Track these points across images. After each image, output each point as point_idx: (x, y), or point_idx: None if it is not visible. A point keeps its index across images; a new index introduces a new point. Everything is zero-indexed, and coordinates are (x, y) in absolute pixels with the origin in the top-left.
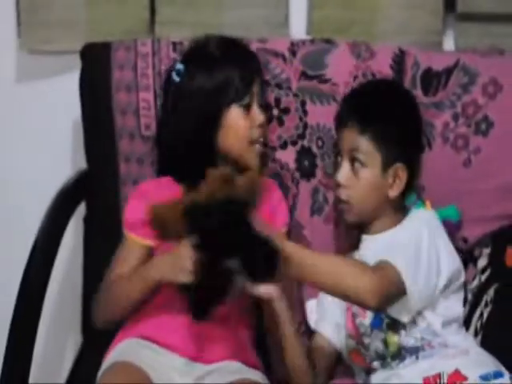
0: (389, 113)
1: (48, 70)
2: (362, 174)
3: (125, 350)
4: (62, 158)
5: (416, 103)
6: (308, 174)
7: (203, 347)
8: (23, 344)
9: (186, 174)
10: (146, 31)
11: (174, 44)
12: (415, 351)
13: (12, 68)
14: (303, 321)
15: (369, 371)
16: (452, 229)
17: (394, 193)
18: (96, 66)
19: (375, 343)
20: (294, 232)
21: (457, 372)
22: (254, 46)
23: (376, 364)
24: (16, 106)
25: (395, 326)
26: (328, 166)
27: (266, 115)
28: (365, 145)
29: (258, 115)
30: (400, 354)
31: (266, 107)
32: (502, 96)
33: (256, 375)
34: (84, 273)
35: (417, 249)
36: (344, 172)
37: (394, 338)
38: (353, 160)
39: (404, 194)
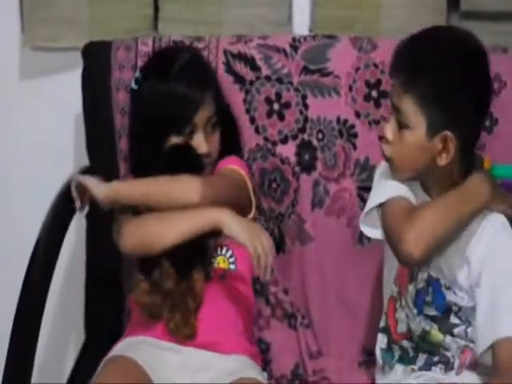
0: (441, 70)
1: (51, 67)
2: (406, 136)
3: (123, 347)
4: (64, 154)
5: (486, 62)
6: (308, 167)
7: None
8: (26, 341)
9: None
10: (149, 28)
11: (175, 43)
12: (446, 362)
13: (15, 65)
14: None
15: (389, 346)
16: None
17: (442, 162)
18: (96, 66)
19: (421, 324)
20: (295, 226)
21: None
22: (255, 43)
23: (405, 343)
24: (19, 103)
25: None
26: (328, 158)
27: (211, 144)
28: (407, 106)
29: (198, 145)
30: (433, 352)
31: (221, 123)
32: (506, 93)
33: (255, 373)
34: (87, 270)
35: None
36: (390, 127)
37: (438, 336)
38: (398, 115)
39: (464, 163)
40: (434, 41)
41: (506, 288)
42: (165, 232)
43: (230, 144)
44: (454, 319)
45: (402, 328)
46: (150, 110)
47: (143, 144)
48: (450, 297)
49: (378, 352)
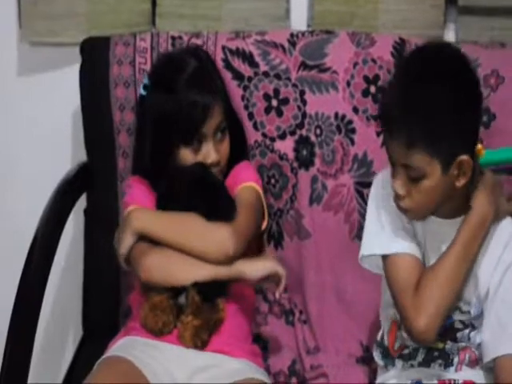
0: (440, 111)
1: (49, 63)
2: (422, 185)
3: (120, 346)
4: (63, 150)
5: (476, 77)
6: (306, 163)
7: None
8: (24, 335)
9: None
10: (147, 23)
11: (173, 38)
12: (446, 358)
13: (13, 60)
14: None
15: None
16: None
17: (460, 183)
18: (95, 61)
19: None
20: (293, 222)
21: (471, 382)
22: (253, 39)
23: (405, 350)
24: (17, 98)
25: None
26: (326, 154)
27: (220, 152)
28: (417, 160)
29: (207, 155)
30: (432, 357)
31: (232, 128)
32: (504, 88)
33: (260, 374)
34: (85, 264)
35: None
36: (400, 183)
37: (438, 345)
38: (407, 170)
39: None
40: (425, 78)
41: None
42: (189, 276)
43: (237, 147)
44: (458, 325)
45: (397, 345)
46: (158, 122)
47: (151, 151)
48: (456, 316)
49: (376, 356)
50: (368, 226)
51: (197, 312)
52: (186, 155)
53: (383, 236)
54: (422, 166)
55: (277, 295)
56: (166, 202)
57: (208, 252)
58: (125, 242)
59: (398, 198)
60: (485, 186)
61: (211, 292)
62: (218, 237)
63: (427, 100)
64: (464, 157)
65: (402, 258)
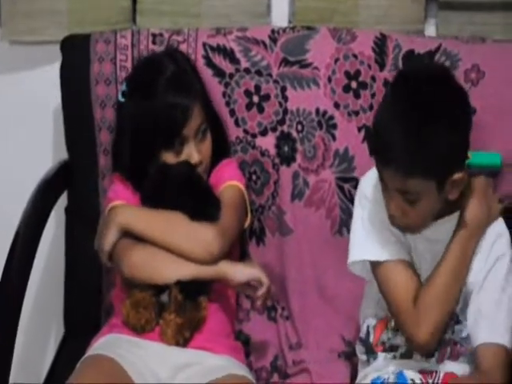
0: (440, 144)
1: (29, 61)
2: (417, 206)
3: (102, 344)
4: (43, 148)
5: (467, 103)
6: (288, 159)
7: None
8: (4, 334)
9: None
10: (127, 20)
11: (154, 35)
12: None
13: None
14: None
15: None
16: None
17: (454, 196)
18: (75, 59)
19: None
20: (275, 218)
21: (452, 374)
22: (234, 35)
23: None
24: None
25: None
26: (307, 150)
27: (202, 152)
28: (415, 185)
29: (190, 156)
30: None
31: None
32: (484, 83)
33: (243, 371)
34: (66, 262)
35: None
36: (396, 205)
37: None
38: (403, 194)
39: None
40: (423, 110)
41: (493, 294)
42: (172, 274)
43: (219, 145)
44: None
45: (380, 342)
46: (138, 128)
47: (131, 157)
48: None
49: (359, 351)
50: (356, 232)
51: (179, 310)
52: (169, 158)
53: (373, 242)
54: (419, 189)
55: (258, 303)
56: (152, 200)
57: (193, 252)
58: (109, 238)
59: (393, 217)
60: (477, 190)
61: (194, 291)
62: (203, 237)
63: (428, 135)
64: (458, 174)
65: (395, 266)
